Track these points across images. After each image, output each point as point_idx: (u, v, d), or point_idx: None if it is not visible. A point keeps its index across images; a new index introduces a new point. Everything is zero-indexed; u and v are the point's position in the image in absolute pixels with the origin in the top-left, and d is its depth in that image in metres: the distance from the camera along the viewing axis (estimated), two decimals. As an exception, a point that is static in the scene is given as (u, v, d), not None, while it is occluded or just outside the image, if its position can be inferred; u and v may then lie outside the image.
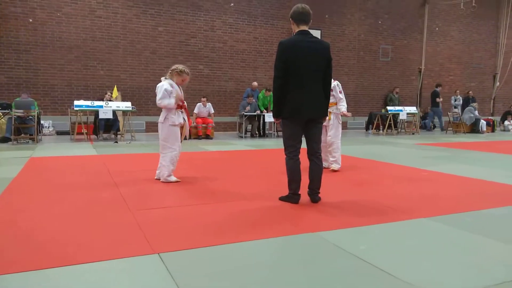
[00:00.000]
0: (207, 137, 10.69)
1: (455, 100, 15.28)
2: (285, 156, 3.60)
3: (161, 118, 4.58)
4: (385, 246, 2.56)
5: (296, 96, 3.42)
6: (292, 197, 3.60)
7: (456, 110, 14.73)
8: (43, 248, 2.45)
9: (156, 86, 4.57)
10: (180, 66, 4.63)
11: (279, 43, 3.43)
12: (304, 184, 3.63)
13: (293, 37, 3.47)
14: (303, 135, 3.58)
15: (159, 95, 4.45)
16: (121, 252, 2.39)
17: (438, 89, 14.60)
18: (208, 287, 1.97)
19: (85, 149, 7.75)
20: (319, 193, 3.64)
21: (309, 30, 3.51)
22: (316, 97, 3.48)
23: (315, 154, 3.60)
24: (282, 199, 3.67)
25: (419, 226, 2.99)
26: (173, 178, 4.53)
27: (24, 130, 9.24)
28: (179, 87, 4.59)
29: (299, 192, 3.59)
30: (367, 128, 13.97)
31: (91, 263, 2.22)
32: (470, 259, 2.36)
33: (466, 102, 14.87)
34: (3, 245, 2.49)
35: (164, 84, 4.50)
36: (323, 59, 3.47)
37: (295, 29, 3.52)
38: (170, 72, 4.61)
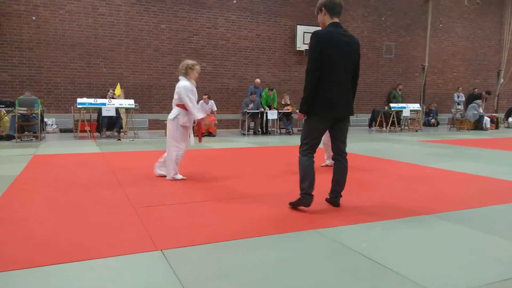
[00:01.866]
0: (210, 134, 10.69)
1: (458, 97, 15.22)
2: (298, 154, 3.36)
3: (171, 116, 4.55)
4: (388, 243, 2.56)
5: (329, 91, 3.19)
6: (304, 198, 3.24)
7: (459, 107, 14.67)
8: (46, 245, 2.46)
9: (176, 85, 4.48)
10: (190, 61, 4.59)
11: (314, 33, 3.18)
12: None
13: (328, 29, 3.22)
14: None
15: (189, 99, 4.37)
16: (125, 249, 2.39)
17: (485, 95, 14.79)
18: (211, 284, 1.97)
19: (89, 147, 7.77)
20: (341, 196, 3.44)
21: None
22: (347, 93, 3.31)
23: (341, 155, 3.40)
24: (292, 204, 3.34)
25: (423, 223, 2.98)
26: (179, 176, 4.55)
27: (27, 128, 9.27)
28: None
29: (312, 193, 3.25)
30: (370, 125, 13.93)
31: (94, 260, 2.23)
32: (473, 256, 2.36)
33: (472, 99, 14.82)
34: (7, 242, 2.50)
35: (188, 85, 4.44)
36: (356, 55, 3.29)
37: (327, 20, 3.25)
38: (184, 71, 4.52)
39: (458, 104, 14.90)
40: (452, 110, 13.97)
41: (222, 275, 2.07)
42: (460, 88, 15.44)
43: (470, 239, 2.66)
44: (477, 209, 3.38)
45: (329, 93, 3.20)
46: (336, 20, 3.25)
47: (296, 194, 3.32)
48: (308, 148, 3.31)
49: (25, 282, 1.97)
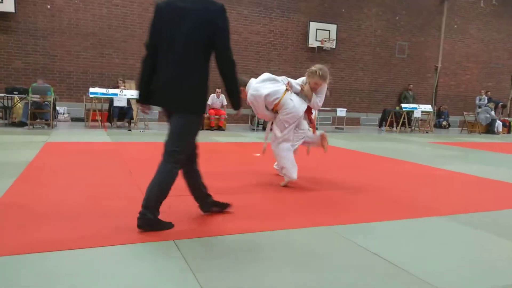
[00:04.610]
0: (219, 128, 10.72)
1: (480, 100, 15.05)
2: None
3: None
4: (398, 242, 2.55)
5: (158, 74, 2.55)
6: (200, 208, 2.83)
7: (480, 110, 14.52)
8: (59, 230, 2.49)
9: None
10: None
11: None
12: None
13: None
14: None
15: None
16: (137, 237, 2.42)
17: (501, 108, 14.63)
18: (221, 275, 1.98)
19: (100, 136, 7.83)
20: (145, 215, 2.47)
21: None
22: (181, 77, 2.48)
23: (163, 156, 2.61)
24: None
25: (434, 224, 2.97)
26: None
27: (40, 115, 9.37)
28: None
29: (203, 199, 2.85)
30: (380, 125, 13.85)
31: (106, 247, 2.26)
32: (485, 258, 2.35)
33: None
34: (19, 227, 2.54)
35: None
36: (206, 25, 2.48)
37: None
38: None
39: (479, 107, 14.73)
40: (464, 113, 13.81)
41: (232, 266, 2.08)
42: (483, 91, 15.32)
43: (482, 242, 2.64)
44: (489, 212, 3.35)
45: (156, 77, 2.56)
46: None
47: (297, 189, 3.31)
48: None
49: (36, 267, 2.00)
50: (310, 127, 4.25)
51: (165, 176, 2.54)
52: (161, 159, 2.59)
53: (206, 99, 2.62)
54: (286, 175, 3.96)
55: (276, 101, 3.86)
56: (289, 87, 3.96)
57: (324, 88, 4.08)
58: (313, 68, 3.93)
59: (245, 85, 3.97)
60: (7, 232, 2.42)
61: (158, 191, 2.52)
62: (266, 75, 4.06)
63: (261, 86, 3.92)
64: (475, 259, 2.34)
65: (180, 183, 3.96)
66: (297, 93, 4.02)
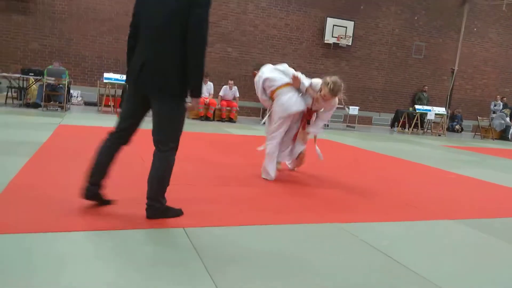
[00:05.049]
0: (230, 120, 10.71)
1: (495, 105, 14.83)
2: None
3: None
4: (409, 243, 2.53)
5: (136, 56, 2.50)
6: (85, 188, 2.57)
7: (494, 115, 14.33)
8: (70, 212, 2.51)
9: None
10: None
11: None
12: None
13: None
14: (140, 114, 2.61)
15: None
16: (147, 223, 2.43)
17: None
18: (229, 264, 1.99)
19: (112, 121, 7.80)
20: (152, 206, 2.47)
21: None
22: (159, 59, 2.38)
23: (157, 147, 2.51)
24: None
25: (446, 227, 2.94)
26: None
27: (54, 98, 9.45)
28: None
29: (93, 185, 2.58)
30: (392, 125, 13.73)
31: (118, 231, 2.27)
32: (494, 263, 2.32)
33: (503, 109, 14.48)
34: (28, 206, 2.57)
35: None
36: (188, 6, 2.31)
37: None
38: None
39: (494, 112, 14.51)
40: (479, 118, 13.62)
41: (239, 257, 2.08)
42: (499, 97, 15.10)
43: (492, 247, 2.61)
44: (502, 219, 3.30)
45: (134, 60, 2.50)
46: None
47: (305, 185, 3.28)
48: (112, 128, 2.69)
49: (45, 246, 2.02)
50: (302, 135, 4.12)
51: (160, 165, 2.48)
52: (154, 149, 2.51)
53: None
54: (263, 172, 3.97)
55: (273, 88, 3.88)
56: (294, 82, 3.84)
57: (335, 104, 3.91)
58: (328, 79, 3.69)
59: (258, 68, 4.15)
60: (16, 212, 2.45)
61: (157, 180, 2.48)
62: (283, 65, 4.08)
63: (269, 71, 3.97)
64: (484, 263, 2.31)
65: (187, 173, 3.97)
66: (302, 93, 3.90)
